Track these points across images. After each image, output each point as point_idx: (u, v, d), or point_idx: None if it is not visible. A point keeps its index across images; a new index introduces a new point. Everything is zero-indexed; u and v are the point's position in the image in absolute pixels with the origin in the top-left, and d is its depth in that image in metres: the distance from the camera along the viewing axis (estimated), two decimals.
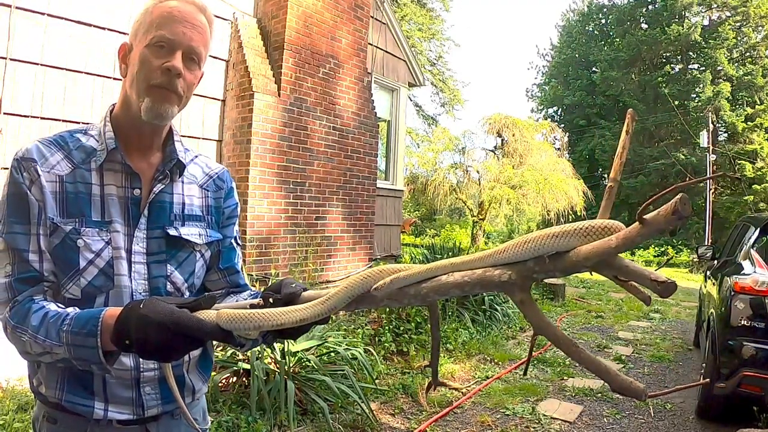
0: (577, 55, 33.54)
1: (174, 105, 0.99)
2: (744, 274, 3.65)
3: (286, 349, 3.43)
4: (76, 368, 0.90)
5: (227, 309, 0.87)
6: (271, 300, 0.92)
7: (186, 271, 1.06)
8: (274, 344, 3.48)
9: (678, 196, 0.53)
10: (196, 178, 1.11)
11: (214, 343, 1.27)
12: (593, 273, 0.72)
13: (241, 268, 1.21)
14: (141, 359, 0.98)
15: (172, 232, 1.03)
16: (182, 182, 1.08)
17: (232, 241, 1.17)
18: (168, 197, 1.05)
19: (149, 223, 1.02)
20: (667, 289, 0.58)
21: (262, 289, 1.01)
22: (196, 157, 1.14)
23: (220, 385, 3.33)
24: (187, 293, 1.07)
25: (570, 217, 17.21)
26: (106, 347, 0.84)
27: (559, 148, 23.83)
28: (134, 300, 0.85)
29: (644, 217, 0.58)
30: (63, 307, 0.91)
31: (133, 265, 0.99)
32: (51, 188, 0.94)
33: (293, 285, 0.95)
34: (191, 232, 1.06)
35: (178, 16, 0.97)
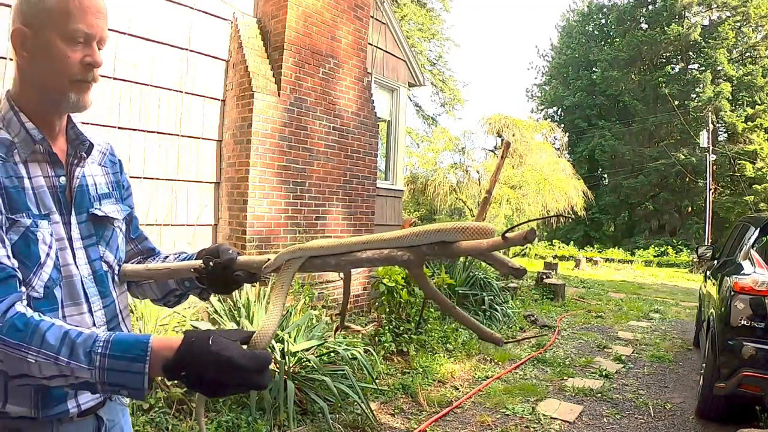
0: (577, 55, 33.53)
1: (90, 93, 1.03)
2: (744, 274, 3.66)
3: (286, 349, 3.43)
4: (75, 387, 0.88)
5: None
6: (211, 264, 1.04)
7: (113, 249, 1.10)
8: (274, 344, 3.48)
9: (528, 228, 0.79)
10: (93, 157, 1.12)
11: None
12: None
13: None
14: None
15: (98, 212, 1.06)
16: (87, 163, 1.10)
17: (133, 211, 1.23)
18: (84, 180, 1.07)
19: (76, 208, 1.03)
20: (518, 272, 0.83)
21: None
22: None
23: None
24: (117, 268, 1.11)
25: (570, 216, 17.20)
26: (152, 374, 0.83)
27: (558, 149, 23.86)
28: (191, 332, 0.84)
29: (506, 235, 0.83)
30: (74, 324, 0.87)
31: (75, 251, 1.01)
32: None
33: (230, 251, 1.06)
34: (111, 209, 1.10)
35: (91, 7, 0.96)
